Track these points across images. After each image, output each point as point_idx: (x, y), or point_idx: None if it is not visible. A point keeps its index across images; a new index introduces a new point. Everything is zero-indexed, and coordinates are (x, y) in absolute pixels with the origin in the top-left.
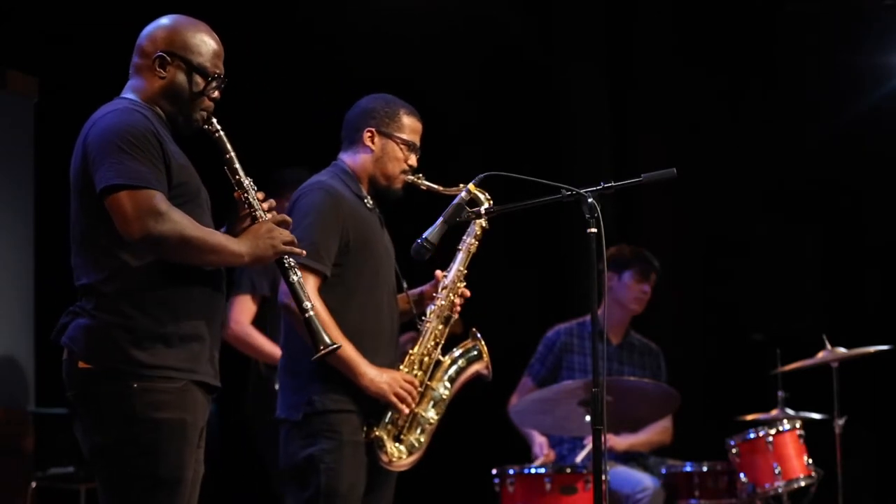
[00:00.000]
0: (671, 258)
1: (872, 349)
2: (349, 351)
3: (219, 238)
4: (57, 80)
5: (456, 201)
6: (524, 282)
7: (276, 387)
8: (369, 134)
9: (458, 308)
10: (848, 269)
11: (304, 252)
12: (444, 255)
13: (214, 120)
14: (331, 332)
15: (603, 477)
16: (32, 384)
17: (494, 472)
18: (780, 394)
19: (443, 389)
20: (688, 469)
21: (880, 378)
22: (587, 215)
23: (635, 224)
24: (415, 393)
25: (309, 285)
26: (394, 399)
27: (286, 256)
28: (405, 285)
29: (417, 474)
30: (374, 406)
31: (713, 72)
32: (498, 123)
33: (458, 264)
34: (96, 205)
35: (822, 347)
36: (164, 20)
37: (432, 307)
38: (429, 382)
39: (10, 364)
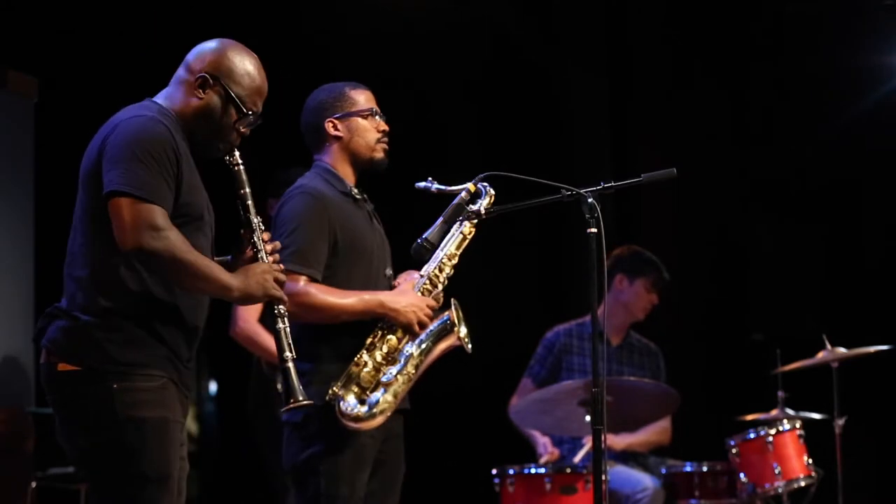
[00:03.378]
0: (671, 258)
1: (872, 349)
2: (367, 299)
3: (212, 267)
4: (57, 80)
5: (456, 201)
6: (524, 281)
7: (279, 386)
8: (331, 124)
9: (441, 291)
10: (848, 270)
11: (287, 299)
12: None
13: (237, 153)
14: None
15: (603, 477)
16: (32, 384)
17: (494, 472)
18: (780, 394)
19: (412, 350)
20: (688, 469)
21: (880, 378)
22: (587, 215)
23: (635, 224)
24: (430, 314)
25: (301, 281)
26: (416, 328)
27: (276, 303)
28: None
29: (418, 474)
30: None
31: (713, 72)
32: (498, 124)
33: (449, 247)
34: (98, 201)
35: (822, 347)
36: (218, 42)
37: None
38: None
39: (10, 364)
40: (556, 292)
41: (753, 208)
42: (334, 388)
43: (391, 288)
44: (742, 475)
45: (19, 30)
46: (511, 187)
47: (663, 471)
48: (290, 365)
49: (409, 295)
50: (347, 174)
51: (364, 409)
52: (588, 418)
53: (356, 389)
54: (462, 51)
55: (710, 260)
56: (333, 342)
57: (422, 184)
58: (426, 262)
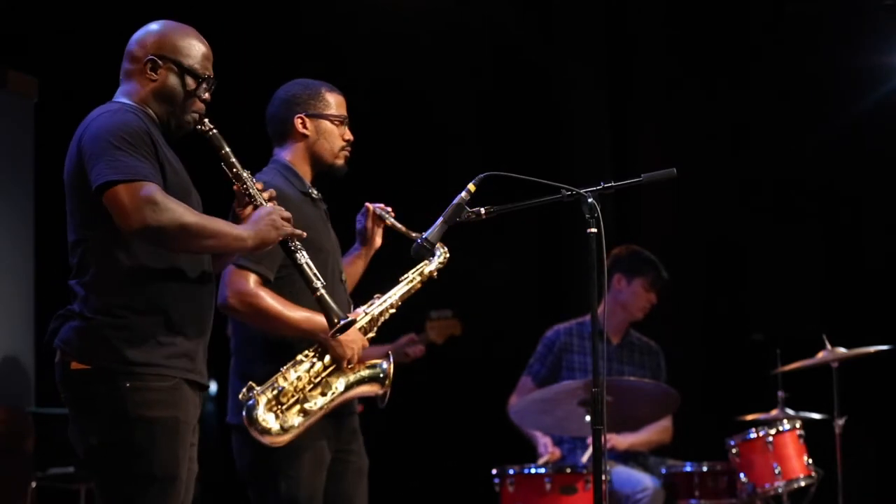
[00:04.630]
0: (671, 258)
1: (872, 349)
2: (315, 320)
3: (219, 223)
4: (57, 80)
5: (456, 201)
6: (524, 282)
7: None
8: (300, 120)
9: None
10: (848, 270)
11: (304, 234)
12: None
13: (206, 120)
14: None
15: (603, 477)
16: (32, 384)
17: (494, 472)
18: (780, 394)
19: (339, 387)
20: (688, 469)
21: (880, 378)
22: (587, 215)
23: (635, 224)
24: (360, 353)
25: (250, 280)
26: (345, 365)
27: (291, 240)
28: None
29: (418, 474)
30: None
31: (713, 72)
32: (498, 124)
33: (395, 296)
34: (89, 204)
35: (822, 347)
36: (153, 25)
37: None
38: (328, 378)
39: (10, 364)
40: (556, 292)
41: (753, 208)
42: (256, 391)
43: (346, 293)
44: (742, 475)
45: (19, 30)
46: (511, 187)
47: (663, 471)
48: (323, 291)
49: (352, 329)
50: (306, 173)
51: (275, 424)
52: (588, 418)
53: (271, 397)
54: (462, 51)
55: (710, 260)
56: (270, 366)
57: (381, 211)
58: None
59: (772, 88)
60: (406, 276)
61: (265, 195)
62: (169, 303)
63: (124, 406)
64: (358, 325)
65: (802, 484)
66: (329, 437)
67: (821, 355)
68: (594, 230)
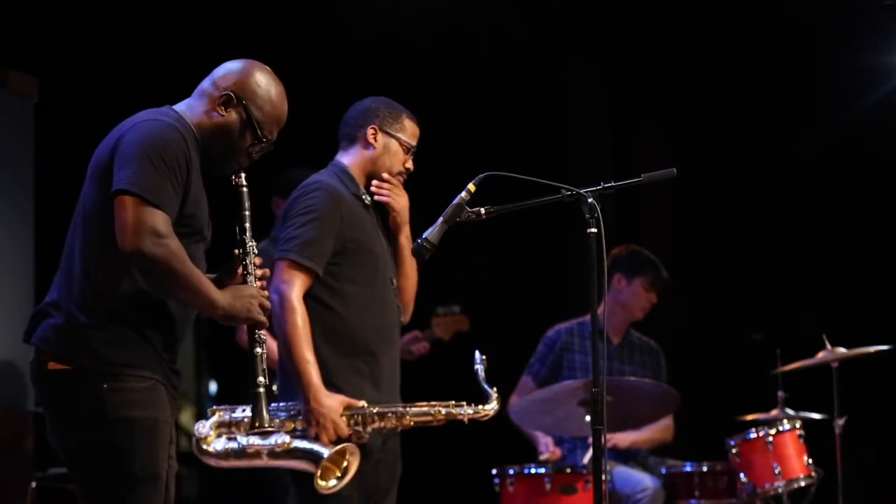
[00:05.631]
0: (671, 258)
1: (872, 349)
2: (313, 376)
3: (203, 282)
4: (57, 80)
5: (456, 201)
6: (524, 282)
7: (275, 388)
8: (372, 131)
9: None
10: (848, 269)
11: (267, 323)
12: (444, 255)
13: (244, 175)
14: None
15: (603, 477)
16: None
17: (494, 472)
18: (780, 394)
19: (283, 441)
20: (688, 469)
21: (880, 378)
22: (587, 215)
23: (635, 224)
24: (332, 434)
25: (297, 281)
26: (312, 433)
27: (258, 328)
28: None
29: (418, 473)
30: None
31: (713, 72)
32: (498, 124)
33: (406, 409)
34: (102, 199)
35: (822, 347)
36: (248, 63)
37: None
38: (269, 428)
39: (10, 364)
40: (556, 292)
41: (753, 208)
42: (217, 411)
43: (396, 297)
44: (742, 475)
45: (19, 30)
46: (511, 187)
47: (663, 471)
48: (262, 391)
49: (334, 405)
50: (361, 180)
51: (212, 445)
52: (588, 418)
53: (225, 421)
54: (462, 50)
55: (710, 260)
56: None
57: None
58: (426, 261)
59: (772, 88)
60: (434, 403)
61: (259, 272)
62: (152, 308)
63: (103, 406)
64: (344, 412)
65: (802, 484)
66: (380, 435)
67: (821, 355)
68: (594, 230)
